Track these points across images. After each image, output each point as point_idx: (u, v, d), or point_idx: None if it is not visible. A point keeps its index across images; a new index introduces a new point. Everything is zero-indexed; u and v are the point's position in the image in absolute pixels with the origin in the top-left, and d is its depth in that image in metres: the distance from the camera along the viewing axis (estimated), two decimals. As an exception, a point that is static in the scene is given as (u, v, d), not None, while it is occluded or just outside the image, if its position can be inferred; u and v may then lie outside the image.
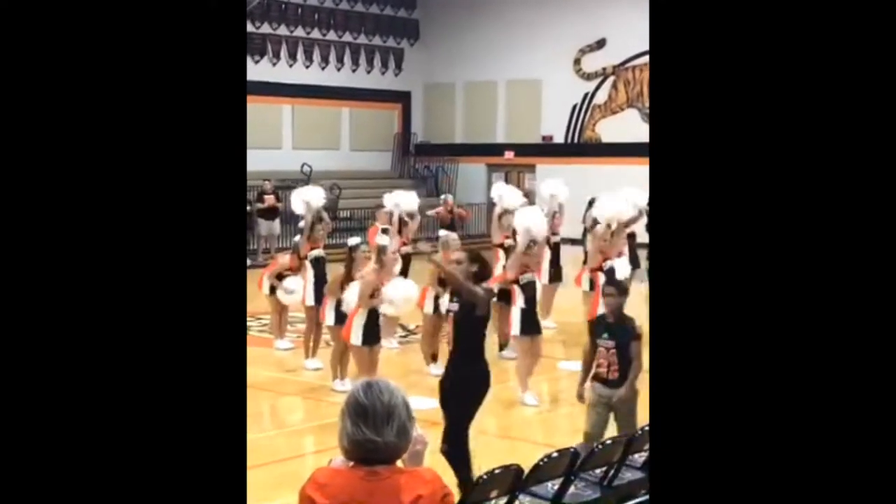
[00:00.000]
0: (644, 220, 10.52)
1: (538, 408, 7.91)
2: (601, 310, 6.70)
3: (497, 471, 4.43)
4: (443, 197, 17.74)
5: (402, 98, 24.84)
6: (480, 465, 5.15)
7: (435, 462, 5.22)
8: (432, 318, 9.20)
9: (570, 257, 10.74)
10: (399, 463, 2.29)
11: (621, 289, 6.28)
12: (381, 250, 8.00)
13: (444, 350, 6.30)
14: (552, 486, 4.72)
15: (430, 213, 15.63)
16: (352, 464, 2.27)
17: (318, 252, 9.56)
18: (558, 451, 4.75)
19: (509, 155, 23.65)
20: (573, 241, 10.62)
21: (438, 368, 8.04)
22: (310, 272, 9.43)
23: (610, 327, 6.04)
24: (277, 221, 17.55)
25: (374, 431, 2.21)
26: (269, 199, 17.47)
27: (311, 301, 9.33)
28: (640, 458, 5.23)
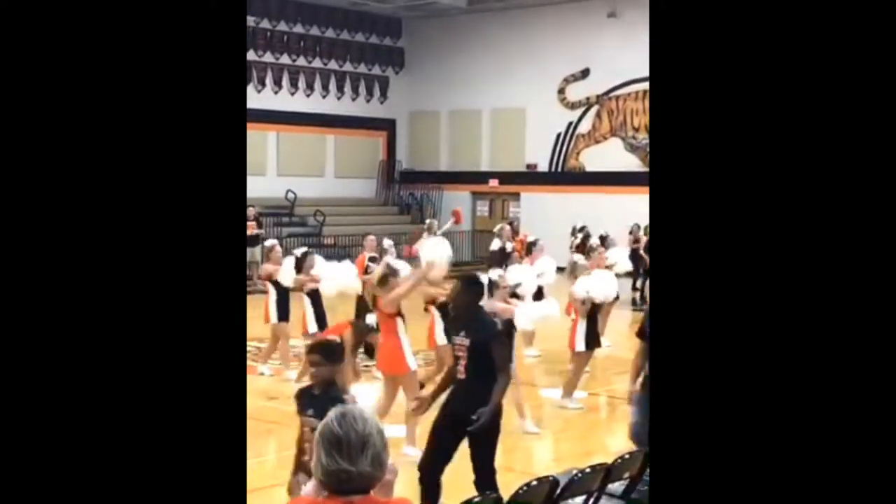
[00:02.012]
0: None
1: (514, 436, 7.79)
2: None
3: (476, 500, 4.41)
4: (427, 222, 17.77)
5: (387, 126, 24.93)
6: (457, 496, 5.13)
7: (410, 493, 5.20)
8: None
9: (560, 287, 10.70)
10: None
11: None
12: (394, 273, 7.69)
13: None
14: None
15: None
16: (325, 493, 2.25)
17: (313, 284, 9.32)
18: (537, 479, 4.74)
19: (494, 183, 23.73)
20: (559, 269, 10.61)
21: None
22: (307, 300, 9.28)
23: None
24: (258, 248, 17.52)
25: (348, 461, 2.19)
26: (251, 226, 17.45)
27: (313, 328, 9.19)
28: (619, 486, 5.23)
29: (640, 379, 6.14)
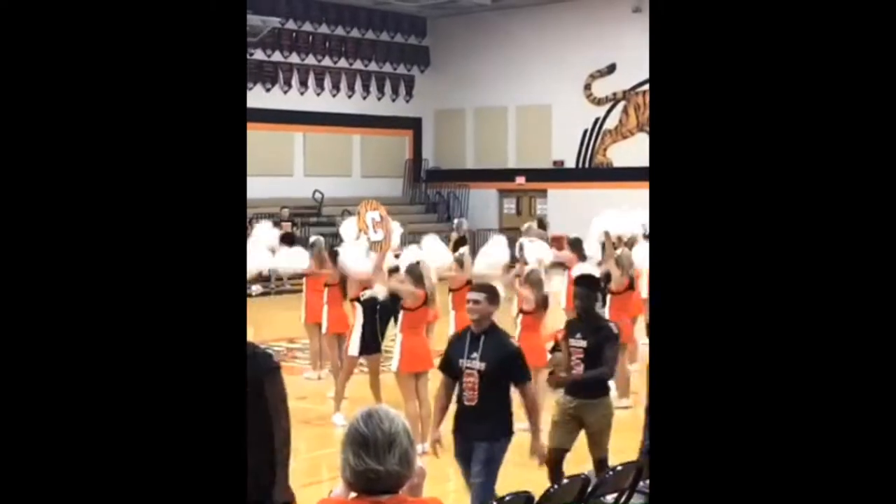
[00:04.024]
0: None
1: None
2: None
3: (507, 497, 4.39)
4: (456, 221, 17.78)
5: (413, 124, 24.95)
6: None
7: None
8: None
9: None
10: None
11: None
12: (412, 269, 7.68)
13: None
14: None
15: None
16: (353, 495, 2.23)
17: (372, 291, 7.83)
18: (569, 477, 4.71)
19: (520, 180, 23.68)
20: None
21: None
22: (359, 315, 8.04)
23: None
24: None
25: (375, 460, 2.18)
26: (286, 226, 17.55)
27: (354, 350, 8.06)
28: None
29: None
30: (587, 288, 5.85)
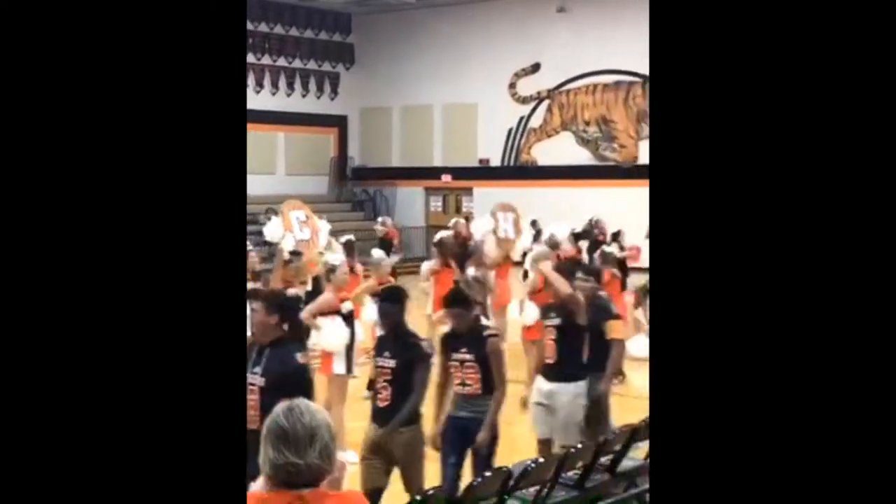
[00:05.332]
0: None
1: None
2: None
3: (429, 491, 4.41)
4: (380, 219, 17.72)
5: (338, 122, 24.81)
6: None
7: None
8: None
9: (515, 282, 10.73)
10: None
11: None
12: (331, 270, 7.65)
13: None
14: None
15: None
16: (274, 488, 2.22)
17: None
18: (491, 470, 4.74)
19: (447, 178, 23.74)
20: (516, 264, 10.67)
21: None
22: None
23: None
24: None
25: (295, 454, 2.17)
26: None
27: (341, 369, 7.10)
28: (573, 475, 5.26)
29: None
30: (394, 302, 5.28)
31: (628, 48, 20.68)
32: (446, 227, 12.20)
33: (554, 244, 10.76)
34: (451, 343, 5.47)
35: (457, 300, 5.48)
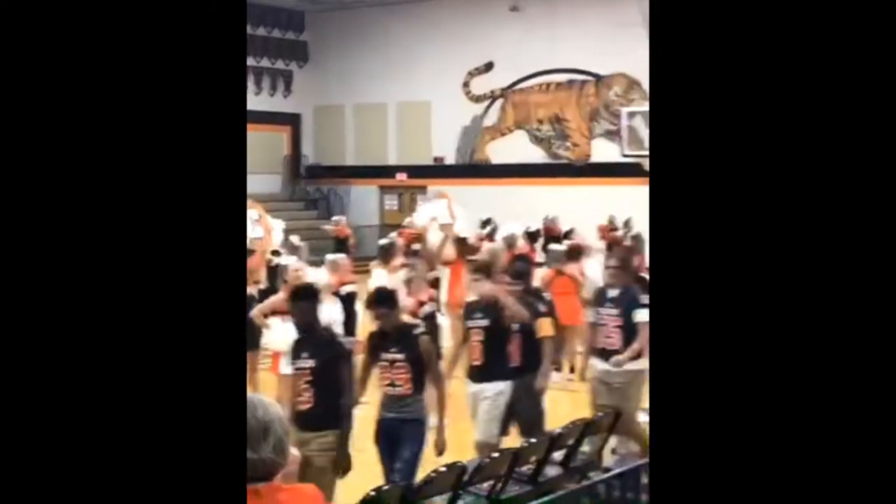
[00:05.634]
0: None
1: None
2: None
3: (384, 488, 4.42)
4: (334, 219, 17.65)
5: (292, 120, 24.65)
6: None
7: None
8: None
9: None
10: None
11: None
12: (282, 271, 7.56)
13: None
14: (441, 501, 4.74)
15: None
16: None
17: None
18: (445, 465, 4.77)
19: (401, 177, 23.71)
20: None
21: None
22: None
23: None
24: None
25: (249, 448, 2.18)
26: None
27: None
28: (527, 470, 5.31)
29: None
30: (305, 300, 5.12)
31: (581, 47, 20.86)
32: (401, 226, 12.23)
33: (510, 242, 10.86)
34: (380, 343, 5.33)
35: (380, 300, 5.35)
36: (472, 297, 6.59)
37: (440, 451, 5.32)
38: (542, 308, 6.34)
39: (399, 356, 5.22)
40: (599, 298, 6.74)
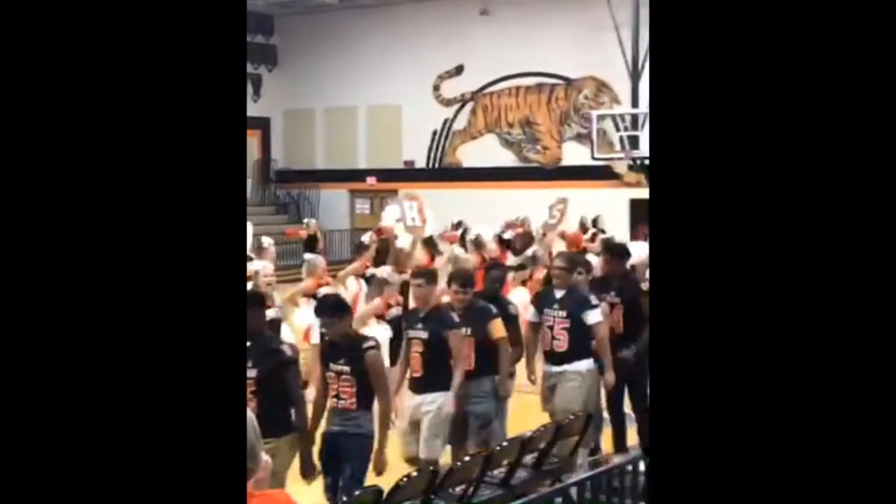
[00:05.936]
0: None
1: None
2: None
3: (357, 492, 4.38)
4: (305, 221, 17.57)
5: (261, 124, 24.50)
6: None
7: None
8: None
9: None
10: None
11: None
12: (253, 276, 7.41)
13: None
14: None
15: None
16: None
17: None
18: (417, 469, 4.74)
19: (372, 181, 23.65)
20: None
21: None
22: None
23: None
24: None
25: None
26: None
27: None
28: (499, 473, 5.28)
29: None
30: (252, 306, 4.71)
31: (551, 50, 20.92)
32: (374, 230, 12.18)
33: (480, 245, 10.84)
34: (329, 353, 5.18)
35: (324, 308, 5.19)
36: (412, 305, 6.35)
37: (379, 470, 5.09)
38: (492, 311, 6.12)
39: (345, 368, 5.04)
40: (545, 300, 6.63)
